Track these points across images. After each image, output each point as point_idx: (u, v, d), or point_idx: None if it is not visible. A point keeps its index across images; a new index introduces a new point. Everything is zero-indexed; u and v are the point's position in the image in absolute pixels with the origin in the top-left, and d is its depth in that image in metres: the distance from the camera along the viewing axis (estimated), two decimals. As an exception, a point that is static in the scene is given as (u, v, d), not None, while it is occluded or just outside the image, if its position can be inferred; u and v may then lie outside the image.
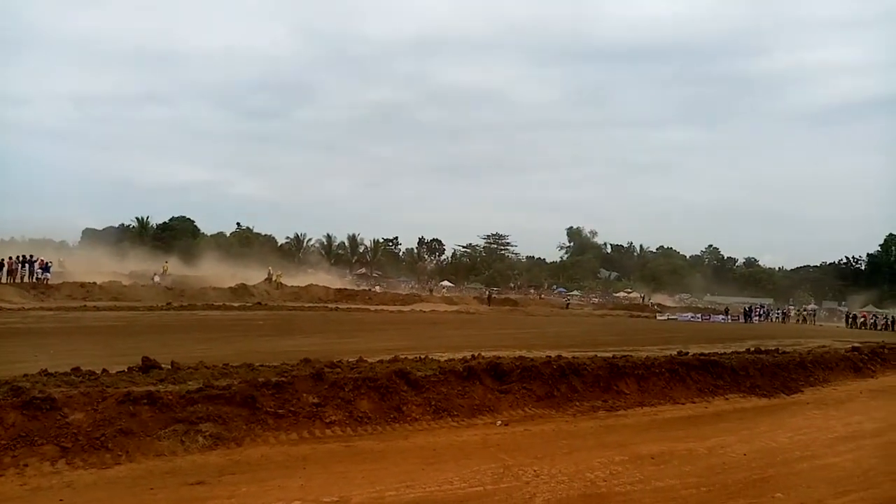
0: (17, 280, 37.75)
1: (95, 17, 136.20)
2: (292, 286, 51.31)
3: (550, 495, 6.21)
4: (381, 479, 6.36)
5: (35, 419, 6.68)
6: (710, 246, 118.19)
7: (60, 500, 5.49)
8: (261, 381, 8.35)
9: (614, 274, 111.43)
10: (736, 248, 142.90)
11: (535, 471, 6.91)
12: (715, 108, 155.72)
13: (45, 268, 39.70)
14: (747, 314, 57.21)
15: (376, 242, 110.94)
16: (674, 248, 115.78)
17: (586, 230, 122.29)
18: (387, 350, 14.69)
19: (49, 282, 38.47)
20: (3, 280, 37.08)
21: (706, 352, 15.71)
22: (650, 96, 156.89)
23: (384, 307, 43.83)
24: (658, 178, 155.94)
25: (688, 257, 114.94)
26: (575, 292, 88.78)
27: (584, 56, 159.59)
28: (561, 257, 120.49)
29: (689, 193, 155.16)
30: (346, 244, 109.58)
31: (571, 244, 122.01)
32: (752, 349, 16.89)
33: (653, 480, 6.88)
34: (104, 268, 48.47)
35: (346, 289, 57.47)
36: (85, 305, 30.96)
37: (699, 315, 57.34)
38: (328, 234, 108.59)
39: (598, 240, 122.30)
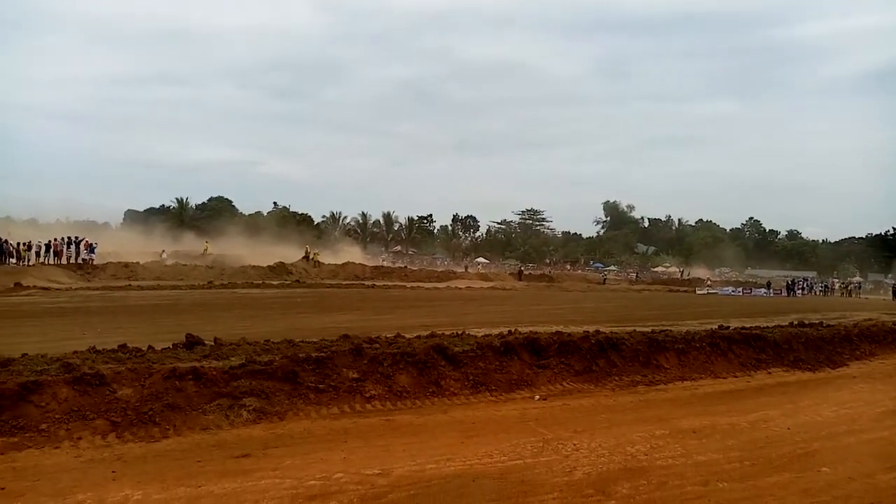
0: (64, 261, 38.85)
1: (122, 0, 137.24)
2: (329, 264, 51.82)
3: (591, 468, 6.20)
4: (421, 452, 6.42)
5: (86, 394, 6.89)
6: (751, 219, 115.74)
7: (113, 471, 5.67)
8: (301, 356, 8.48)
9: (652, 248, 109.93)
10: (778, 221, 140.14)
11: (574, 444, 6.91)
12: (752, 78, 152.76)
13: (91, 248, 40.71)
14: (790, 287, 56.09)
15: (411, 220, 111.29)
16: (713, 222, 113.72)
17: (623, 204, 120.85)
18: (423, 326, 14.79)
19: (94, 262, 39.51)
20: (50, 261, 38.20)
21: (748, 325, 15.46)
22: (683, 69, 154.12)
23: (420, 284, 44.04)
24: (695, 151, 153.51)
25: (728, 230, 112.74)
26: (612, 267, 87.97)
27: (614, 27, 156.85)
28: (597, 232, 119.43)
29: (729, 166, 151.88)
30: (382, 222, 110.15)
31: (608, 219, 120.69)
32: (796, 322, 16.58)
33: (695, 454, 6.81)
34: (146, 248, 49.64)
35: (382, 266, 57.88)
36: (129, 285, 31.74)
37: (740, 289, 56.31)
38: (363, 213, 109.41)
39: (636, 214, 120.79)
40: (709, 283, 61.38)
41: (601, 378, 10.25)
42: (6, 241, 36.82)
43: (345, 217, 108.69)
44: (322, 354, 8.64)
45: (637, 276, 71.47)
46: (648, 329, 13.32)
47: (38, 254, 38.15)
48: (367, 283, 42.59)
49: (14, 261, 36.47)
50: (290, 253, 53.68)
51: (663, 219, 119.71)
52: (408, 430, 7.29)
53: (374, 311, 21.96)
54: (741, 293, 53.06)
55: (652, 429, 7.70)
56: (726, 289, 55.94)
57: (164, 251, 49.42)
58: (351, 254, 66.90)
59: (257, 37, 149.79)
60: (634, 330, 12.98)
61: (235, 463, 5.98)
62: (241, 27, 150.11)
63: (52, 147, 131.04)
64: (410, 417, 7.83)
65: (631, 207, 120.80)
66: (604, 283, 58.95)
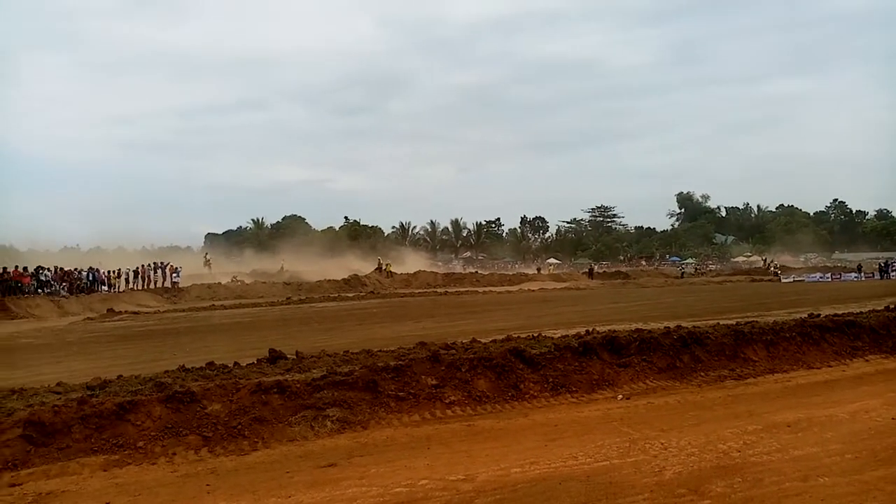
0: (151, 286, 40.76)
1: (186, 32, 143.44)
2: (402, 273, 52.47)
3: (682, 468, 5.99)
4: (504, 456, 6.37)
5: (178, 411, 7.17)
6: (836, 200, 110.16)
7: (207, 485, 5.86)
8: (380, 365, 8.57)
9: (731, 238, 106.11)
10: (865, 201, 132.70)
11: (662, 443, 6.69)
12: (824, 53, 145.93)
13: (176, 272, 42.56)
14: (883, 270, 52.86)
15: (479, 225, 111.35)
16: (795, 206, 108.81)
17: (697, 195, 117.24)
18: (498, 330, 14.73)
19: (179, 285, 41.29)
20: (139, 286, 40.16)
21: (840, 312, 14.68)
22: (750, 48, 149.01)
23: (492, 288, 44.00)
24: (770, 133, 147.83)
25: (811, 214, 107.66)
26: (689, 260, 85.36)
27: (675, 13, 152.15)
28: (672, 225, 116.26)
29: (807, 147, 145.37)
30: (450, 229, 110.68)
31: (682, 210, 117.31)
32: (893, 306, 15.59)
33: (791, 449, 6.49)
34: (227, 269, 51.51)
35: (453, 273, 58.26)
36: (213, 305, 33.03)
37: (828, 274, 53.54)
38: (432, 221, 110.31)
39: (711, 203, 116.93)
40: (780, 270, 58.71)
41: (686, 374, 9.93)
42: (98, 270, 38.93)
43: (414, 227, 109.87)
44: (400, 363, 8.72)
45: (717, 267, 68.52)
46: (733, 321, 12.85)
47: (127, 280, 40.17)
48: (439, 290, 42.91)
49: (106, 288, 38.51)
50: (364, 265, 54.67)
51: (741, 207, 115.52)
52: (489, 435, 7.24)
53: (448, 318, 22.04)
54: (830, 279, 50.47)
55: (743, 424, 7.39)
56: (814, 275, 53.31)
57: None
58: (422, 262, 67.58)
59: (324, 57, 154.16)
60: (718, 323, 12.54)
61: (322, 473, 6.09)
62: (308, 49, 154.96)
63: (137, 178, 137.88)
64: (491, 422, 7.78)
65: (706, 197, 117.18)
66: (682, 277, 57.26)
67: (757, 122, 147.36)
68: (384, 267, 53.07)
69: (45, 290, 33.94)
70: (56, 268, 35.95)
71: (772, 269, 60.69)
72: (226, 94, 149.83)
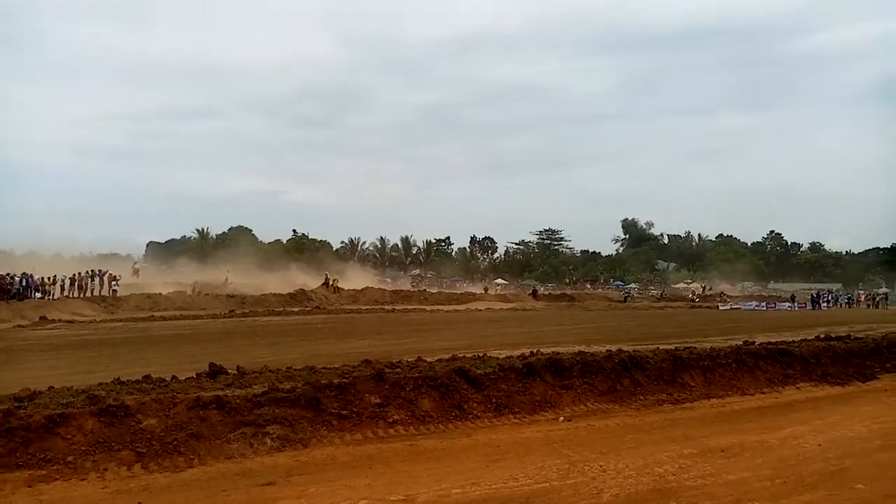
0: (88, 294, 39.36)
1: (145, 37, 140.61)
2: (349, 289, 52.03)
3: (619, 490, 6.10)
4: (446, 477, 6.37)
5: (111, 426, 6.93)
6: (773, 232, 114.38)
7: (139, 502, 5.68)
8: (324, 383, 8.48)
9: (672, 265, 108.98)
10: (800, 234, 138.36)
11: (601, 466, 6.81)
12: (769, 90, 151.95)
13: (115, 281, 41.23)
14: (815, 300, 55.21)
15: (429, 243, 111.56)
16: (734, 236, 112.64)
17: (642, 221, 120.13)
18: (445, 349, 14.74)
19: (117, 294, 39.99)
20: (75, 294, 38.73)
21: (774, 340, 15.23)
22: (700, 82, 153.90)
23: (440, 307, 44.00)
24: (714, 165, 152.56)
25: (749, 244, 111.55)
26: (632, 285, 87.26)
27: (631, 45, 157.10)
28: (616, 250, 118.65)
29: (748, 179, 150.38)
30: (400, 246, 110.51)
31: (627, 236, 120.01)
32: (823, 336, 16.27)
33: (724, 473, 6.69)
34: (168, 279, 50.18)
35: (401, 290, 58.00)
36: (152, 316, 32.06)
37: (764, 303, 55.47)
38: (381, 237, 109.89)
39: (655, 230, 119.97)
40: (718, 298, 60.54)
41: (626, 398, 10.13)
42: (31, 276, 37.41)
43: (363, 242, 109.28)
44: (344, 381, 8.64)
45: (662, 294, 69.80)
46: (672, 347, 13.16)
47: (62, 287, 38.70)
48: (386, 307, 42.67)
49: (39, 295, 37.00)
50: (310, 279, 54.03)
51: (683, 235, 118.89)
52: (432, 455, 7.24)
53: (395, 336, 21.94)
54: (765, 307, 52.29)
55: (679, 448, 7.58)
56: (750, 303, 55.18)
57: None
58: (370, 279, 67.18)
59: (282, 69, 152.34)
60: (658, 348, 12.83)
61: (260, 491, 5.97)
62: (266, 60, 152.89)
63: (78, 182, 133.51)
64: (434, 442, 7.78)
65: (650, 224, 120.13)
66: (625, 302, 58.46)
67: (705, 154, 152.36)
68: (331, 282, 52.55)
69: (-27, 295, 32.42)
70: (-15, 272, 34.39)
71: (711, 295, 62.59)
72: (182, 101, 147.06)
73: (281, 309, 38.47)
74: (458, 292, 61.20)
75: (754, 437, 8.25)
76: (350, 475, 6.45)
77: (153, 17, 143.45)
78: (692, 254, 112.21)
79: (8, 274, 36.06)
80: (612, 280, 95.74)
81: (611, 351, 11.85)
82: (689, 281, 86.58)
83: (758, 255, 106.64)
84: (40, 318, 28.68)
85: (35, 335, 22.66)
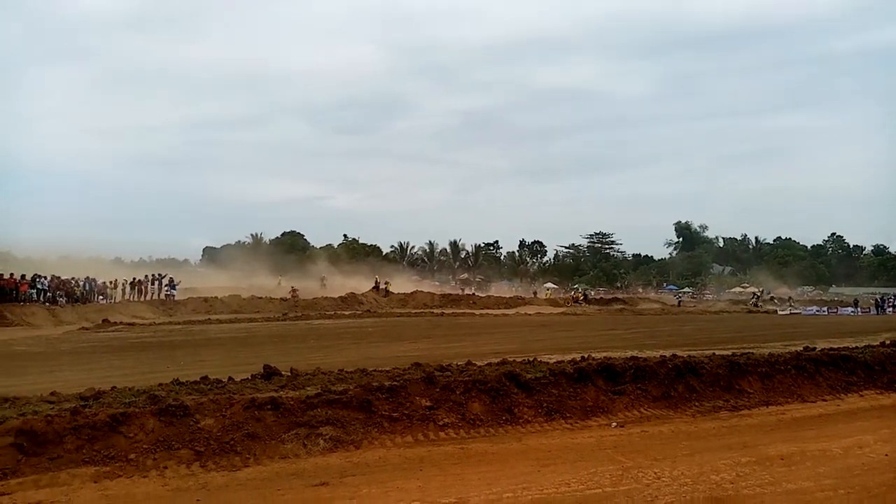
0: (147, 297, 40.68)
1: (198, 48, 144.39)
2: (399, 293, 52.44)
3: (673, 498, 5.98)
4: (496, 480, 6.35)
5: (171, 425, 7.15)
6: (834, 234, 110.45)
7: (197, 500, 5.84)
8: (375, 385, 8.56)
9: (728, 268, 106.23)
10: (862, 236, 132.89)
11: (655, 473, 6.68)
12: (824, 88, 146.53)
13: (172, 285, 42.50)
14: (879, 305, 53.01)
15: (477, 247, 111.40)
16: (793, 239, 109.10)
17: (695, 224, 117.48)
18: (494, 353, 14.70)
19: (175, 298, 41.21)
20: (135, 298, 40.09)
21: (836, 346, 14.69)
22: (752, 82, 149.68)
23: (488, 311, 43.93)
24: (770, 166, 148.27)
25: (809, 247, 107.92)
26: (686, 289, 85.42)
27: (677, 46, 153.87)
28: (670, 254, 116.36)
29: (807, 180, 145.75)
30: (448, 250, 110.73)
31: (680, 240, 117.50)
32: (888, 342, 15.60)
33: (784, 482, 6.48)
34: (224, 283, 51.44)
35: (450, 294, 58.08)
36: (209, 319, 32.94)
37: (825, 308, 53.59)
38: (430, 242, 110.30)
39: (709, 234, 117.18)
40: (777, 303, 58.39)
41: (680, 404, 9.93)
42: (94, 280, 38.87)
43: (412, 247, 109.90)
44: (395, 383, 8.70)
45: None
46: (728, 352, 12.84)
47: (123, 291, 40.09)
48: (436, 311, 42.83)
49: (102, 298, 38.42)
50: (361, 284, 54.64)
51: (739, 238, 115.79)
52: (482, 459, 7.23)
53: (444, 339, 22.00)
54: (826, 312, 50.50)
55: (737, 456, 7.38)
56: (810, 308, 53.36)
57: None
58: (420, 283, 67.52)
59: (327, 77, 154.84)
60: (713, 353, 12.53)
61: (314, 491, 6.06)
62: (312, 69, 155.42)
63: (136, 190, 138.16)
64: (484, 445, 7.77)
65: (704, 227, 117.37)
66: (679, 306, 57.25)
67: (756, 155, 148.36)
68: (382, 286, 53.04)
69: (41, 299, 33.87)
70: (53, 276, 35.88)
71: (772, 299, 60.55)
72: (230, 110, 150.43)
73: (332, 312, 39.06)
74: (508, 296, 61.00)
75: (816, 445, 7.97)
76: (401, 477, 6.49)
77: (205, 29, 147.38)
78: (749, 257, 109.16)
79: (72, 278, 37.55)
80: (664, 284, 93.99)
81: (664, 356, 11.63)
82: (746, 285, 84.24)
83: (818, 259, 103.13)
84: (103, 320, 29.79)
85: (98, 337, 23.55)
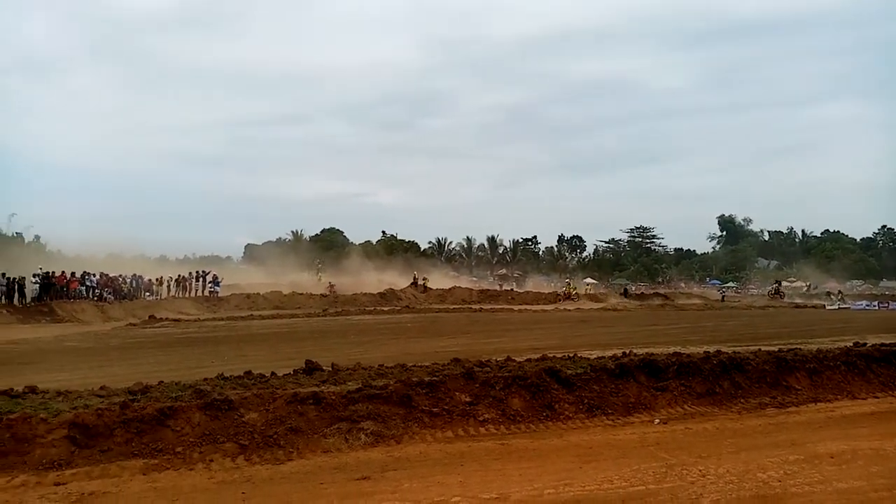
0: (191, 294, 41.57)
1: (240, 48, 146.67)
2: (437, 289, 52.57)
3: (719, 496, 5.86)
4: (538, 476, 6.31)
5: (216, 419, 7.29)
6: (885, 227, 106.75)
7: (243, 492, 5.94)
8: (415, 380, 8.60)
9: (774, 262, 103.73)
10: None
11: (700, 470, 6.56)
12: (873, 77, 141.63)
13: (216, 282, 43.34)
14: (933, 299, 51.19)
15: (515, 242, 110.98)
16: (841, 232, 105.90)
17: (739, 217, 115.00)
18: (533, 349, 14.64)
19: (219, 294, 42.03)
20: (180, 294, 41.01)
21: (888, 342, 14.23)
22: (797, 72, 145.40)
23: (527, 306, 43.70)
24: (816, 157, 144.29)
25: (858, 240, 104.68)
26: (731, 284, 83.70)
27: (719, 35, 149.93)
28: (713, 248, 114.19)
29: (856, 171, 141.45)
30: (486, 246, 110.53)
31: (724, 233, 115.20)
32: (945, 338, 15.07)
33: (835, 481, 6.30)
34: (265, 279, 52.29)
35: (488, 289, 57.97)
36: (251, 314, 33.51)
37: (875, 302, 51.90)
38: (468, 237, 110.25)
39: (754, 227, 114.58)
40: (840, 297, 56.69)
41: (725, 400, 9.75)
42: (141, 277, 39.87)
43: (450, 242, 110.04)
44: (434, 378, 8.73)
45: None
46: (775, 348, 12.55)
47: (168, 288, 41.04)
48: (474, 306, 42.80)
49: (148, 295, 39.40)
50: (400, 279, 54.96)
51: (785, 231, 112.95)
52: (523, 455, 7.20)
53: (483, 335, 21.97)
54: (876, 307, 48.93)
55: (784, 454, 7.20)
56: (860, 303, 51.75)
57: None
58: (457, 279, 67.59)
59: (365, 74, 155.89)
60: (759, 349, 12.27)
61: (356, 485, 6.12)
62: (351, 66, 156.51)
63: (179, 188, 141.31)
64: (525, 441, 7.74)
65: (748, 220, 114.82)
66: (722, 301, 56.15)
67: (802, 146, 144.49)
68: (420, 282, 53.25)
69: (91, 295, 34.90)
70: (101, 273, 36.92)
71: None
72: (270, 108, 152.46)
73: (372, 308, 39.36)
74: (546, 292, 60.62)
75: (868, 443, 7.72)
76: (442, 472, 6.51)
77: (247, 29, 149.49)
78: (795, 251, 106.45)
79: (120, 275, 38.59)
80: (707, 279, 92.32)
81: (708, 352, 11.43)
82: (792, 279, 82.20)
83: (868, 252, 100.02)
84: (149, 316, 30.54)
85: (145, 333, 24.15)
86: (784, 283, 77.56)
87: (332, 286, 50.19)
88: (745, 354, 11.13)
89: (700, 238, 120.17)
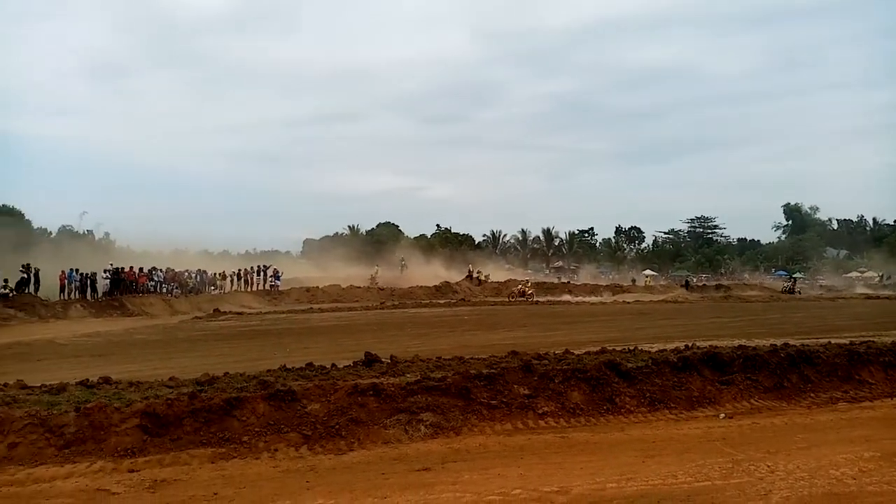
0: (253, 288, 42.62)
1: (293, 46, 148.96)
2: (492, 282, 52.46)
3: (789, 492, 5.68)
4: (599, 470, 6.24)
5: (280, 409, 7.47)
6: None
7: (307, 481, 6.07)
8: (473, 373, 8.60)
9: (844, 252, 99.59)
10: None
11: (768, 466, 6.37)
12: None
13: (276, 276, 44.31)
14: None
15: (571, 234, 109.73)
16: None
17: (806, 206, 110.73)
18: (592, 342, 14.46)
19: (280, 288, 42.96)
20: (242, 288, 42.09)
21: (971, 335, 13.51)
22: (866, 53, 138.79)
23: (585, 299, 43.17)
24: (885, 142, 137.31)
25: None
26: (798, 275, 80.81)
27: (784, 15, 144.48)
28: (778, 237, 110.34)
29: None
30: (542, 238, 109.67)
31: (790, 222, 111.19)
32: None
33: (915, 480, 6.02)
34: (323, 273, 53.25)
35: (545, 282, 57.53)
36: (311, 308, 34.13)
37: (955, 293, 49.28)
38: (523, 230, 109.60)
39: (821, 215, 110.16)
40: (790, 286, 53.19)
41: (794, 395, 9.43)
42: (205, 272, 41.10)
43: (504, 235, 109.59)
44: (492, 371, 8.72)
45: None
46: (846, 341, 12.05)
47: (231, 282, 42.17)
48: (530, 299, 42.53)
49: (213, 289, 40.58)
50: (455, 273, 55.10)
51: (855, 219, 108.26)
52: (584, 448, 7.13)
53: (540, 328, 21.82)
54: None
55: (858, 450, 6.92)
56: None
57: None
58: (513, 271, 67.31)
59: (417, 68, 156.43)
60: (829, 342, 11.81)
61: (417, 476, 6.17)
62: (404, 60, 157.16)
63: (242, 186, 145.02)
64: (586, 435, 7.66)
65: (815, 209, 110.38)
66: (789, 292, 54.24)
67: (872, 130, 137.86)
68: (475, 275, 53.25)
69: (158, 290, 36.19)
70: (167, 269, 38.22)
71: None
72: (325, 105, 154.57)
73: (427, 301, 39.57)
74: (604, 284, 59.75)
75: (951, 441, 7.35)
76: (502, 464, 6.50)
77: (299, 27, 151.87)
78: (865, 239, 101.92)
79: (185, 270, 39.87)
80: (773, 270, 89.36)
81: (775, 345, 11.07)
82: (864, 269, 78.78)
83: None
84: (214, 310, 31.46)
85: (210, 326, 24.89)
86: (854, 274, 74.58)
87: (373, 278, 51.03)
88: (815, 347, 10.74)
89: (764, 227, 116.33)
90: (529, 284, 47.54)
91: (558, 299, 42.83)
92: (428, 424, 7.58)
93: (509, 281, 53.88)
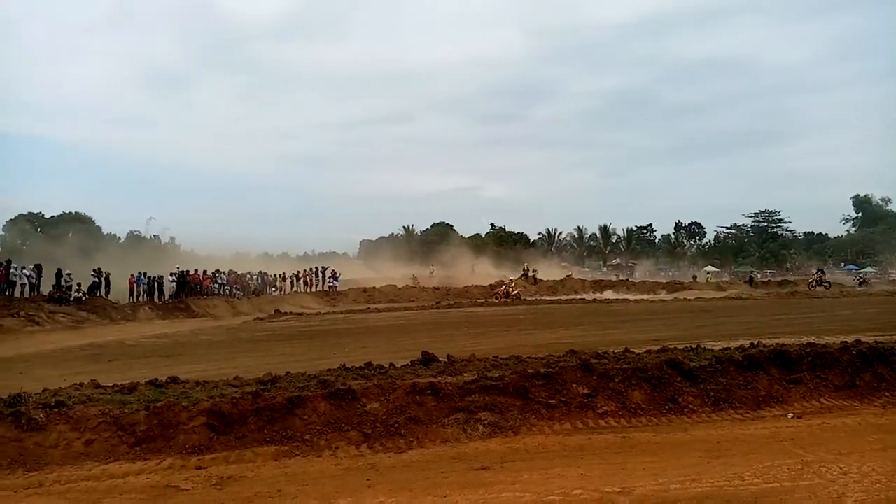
0: (312, 289, 43.43)
1: (345, 50, 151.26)
2: (548, 280, 52.07)
3: (864, 496, 5.44)
4: (662, 471, 6.11)
5: (340, 408, 7.58)
6: None
7: (367, 479, 6.15)
8: (530, 372, 8.55)
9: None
10: None
11: (840, 468, 6.12)
12: None
13: (335, 277, 45.06)
14: None
15: (629, 231, 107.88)
16: None
17: (877, 197, 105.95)
18: (652, 340, 14.18)
19: (338, 289, 43.68)
20: (301, 289, 42.96)
21: None
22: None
23: (644, 297, 42.35)
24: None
25: None
26: (869, 269, 77.39)
27: (842, 4, 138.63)
28: (847, 231, 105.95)
29: None
30: (598, 235, 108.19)
31: (859, 215, 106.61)
32: None
33: None
34: (379, 273, 53.89)
35: (602, 280, 56.76)
36: (368, 308, 34.57)
37: None
38: (579, 227, 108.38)
39: (893, 207, 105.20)
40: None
41: (867, 394, 9.03)
42: (265, 274, 42.11)
43: (560, 233, 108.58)
44: (550, 370, 8.64)
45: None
46: (924, 337, 11.50)
47: (291, 283, 43.09)
48: (587, 297, 42.03)
49: (273, 290, 41.54)
50: (510, 271, 54.91)
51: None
52: (645, 449, 6.99)
53: (598, 327, 21.51)
54: None
55: (940, 453, 6.58)
56: None
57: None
58: (569, 269, 66.65)
59: (469, 68, 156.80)
60: (905, 339, 11.28)
61: (476, 475, 6.17)
62: (456, 61, 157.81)
63: (299, 189, 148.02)
64: (647, 435, 7.51)
65: (887, 200, 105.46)
66: (860, 287, 51.98)
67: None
68: (531, 273, 52.93)
69: (221, 292, 37.26)
70: (230, 271, 39.31)
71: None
72: (379, 107, 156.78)
73: (483, 300, 39.54)
74: (664, 281, 58.53)
75: None
76: (561, 464, 6.44)
77: (350, 31, 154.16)
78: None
79: (247, 273, 40.93)
80: (842, 264, 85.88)
81: (846, 342, 10.62)
82: (942, 262, 74.92)
83: None
84: (275, 311, 32.24)
85: (271, 326, 25.49)
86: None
87: (415, 277, 51.39)
88: (889, 344, 10.26)
89: (833, 221, 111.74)
90: (514, 284, 46.46)
91: (616, 297, 42.13)
92: (486, 424, 7.57)
93: (566, 279, 53.42)
